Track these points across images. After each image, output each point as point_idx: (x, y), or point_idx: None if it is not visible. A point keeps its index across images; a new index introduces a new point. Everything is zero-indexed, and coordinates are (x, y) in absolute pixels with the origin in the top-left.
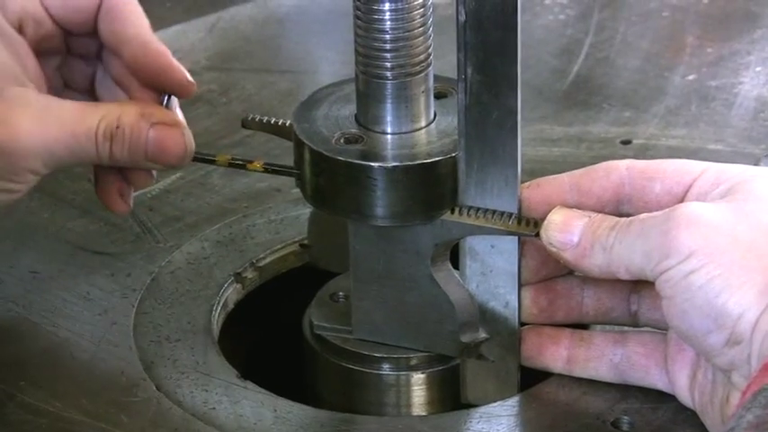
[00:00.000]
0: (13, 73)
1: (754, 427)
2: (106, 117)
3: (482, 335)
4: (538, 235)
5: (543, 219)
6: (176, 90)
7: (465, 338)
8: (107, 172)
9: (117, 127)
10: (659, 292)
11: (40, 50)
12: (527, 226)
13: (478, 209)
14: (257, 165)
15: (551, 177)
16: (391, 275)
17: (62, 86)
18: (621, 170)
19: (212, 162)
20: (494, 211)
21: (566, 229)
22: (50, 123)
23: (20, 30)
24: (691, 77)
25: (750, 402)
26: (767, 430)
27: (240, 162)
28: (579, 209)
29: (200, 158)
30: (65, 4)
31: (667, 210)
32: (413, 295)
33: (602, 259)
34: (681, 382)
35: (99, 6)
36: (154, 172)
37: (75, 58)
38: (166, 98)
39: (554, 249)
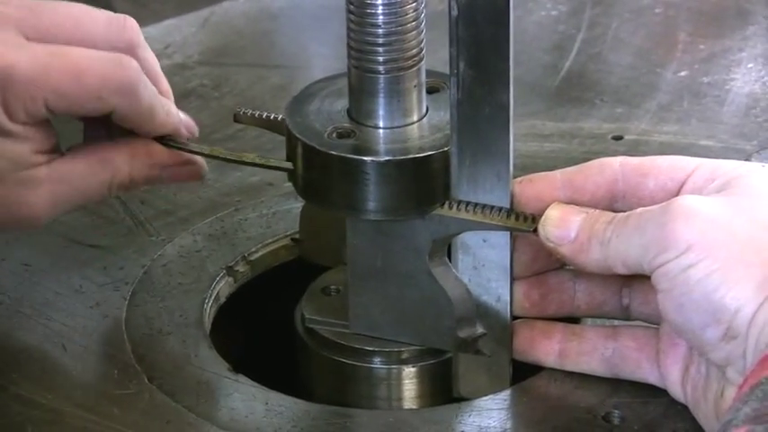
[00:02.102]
0: (18, 156)
1: (751, 420)
2: (116, 176)
3: (479, 330)
4: (536, 231)
5: (538, 214)
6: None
7: (462, 334)
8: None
9: (129, 182)
10: (655, 285)
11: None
12: (524, 221)
13: (476, 204)
14: (250, 158)
15: (544, 174)
16: (389, 271)
17: None
18: (615, 167)
19: (205, 156)
20: (491, 207)
21: (563, 225)
22: (62, 193)
23: None
24: (683, 74)
25: (747, 396)
26: (765, 423)
27: (232, 156)
28: None
29: (192, 152)
30: (68, 111)
31: (664, 203)
32: (410, 291)
33: (599, 254)
34: (673, 376)
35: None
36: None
37: None
38: None
39: (551, 245)
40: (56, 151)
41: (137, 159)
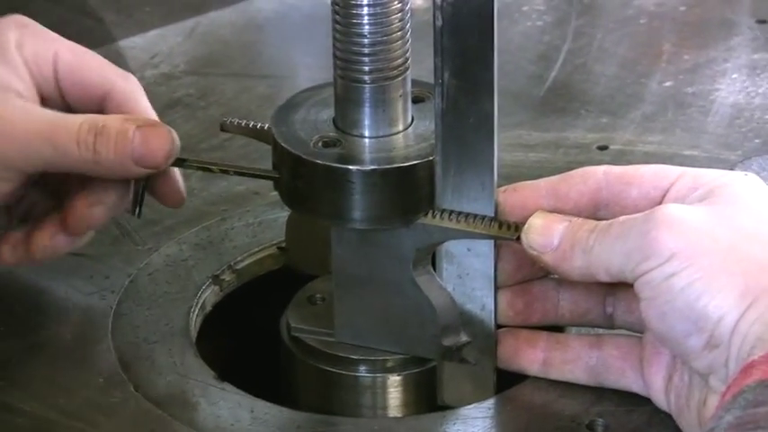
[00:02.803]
0: (5, 85)
1: (734, 428)
2: (89, 119)
3: (464, 338)
4: (519, 239)
5: (522, 223)
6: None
7: (447, 342)
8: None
9: (102, 125)
10: (638, 293)
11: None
12: (507, 230)
13: (459, 213)
14: (236, 168)
15: (528, 182)
16: (373, 280)
17: None
18: (598, 175)
19: (192, 166)
20: (474, 216)
21: (546, 233)
22: (29, 119)
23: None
24: (667, 84)
25: (730, 404)
26: (747, 430)
27: (219, 165)
28: None
29: (178, 162)
30: (72, 73)
31: (647, 211)
32: (395, 299)
33: (581, 262)
34: (656, 384)
35: (105, 95)
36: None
37: None
38: None
39: (534, 253)
40: None
41: (111, 115)
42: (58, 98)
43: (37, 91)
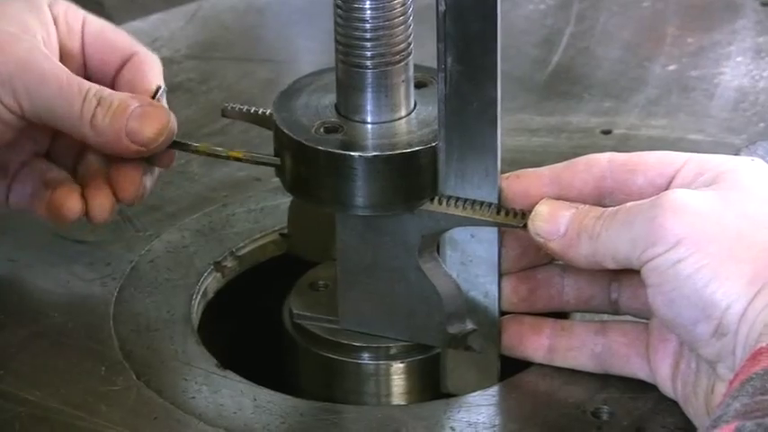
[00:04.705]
0: (33, 32)
1: (741, 416)
2: (99, 87)
3: (469, 326)
4: (525, 227)
5: (528, 210)
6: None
7: (452, 329)
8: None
9: (108, 94)
10: (645, 280)
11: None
12: (514, 217)
13: (465, 200)
14: (237, 154)
15: (531, 170)
16: (379, 267)
17: None
18: (603, 163)
19: (192, 151)
20: (481, 203)
21: (552, 220)
22: (49, 59)
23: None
24: (671, 68)
25: (737, 391)
26: (755, 418)
27: (220, 151)
28: None
29: (180, 147)
30: (101, 33)
31: (654, 197)
32: (400, 287)
33: (588, 248)
34: (663, 371)
35: (127, 59)
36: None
37: None
38: (162, 90)
39: (541, 240)
40: None
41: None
42: (80, 58)
43: (61, 48)
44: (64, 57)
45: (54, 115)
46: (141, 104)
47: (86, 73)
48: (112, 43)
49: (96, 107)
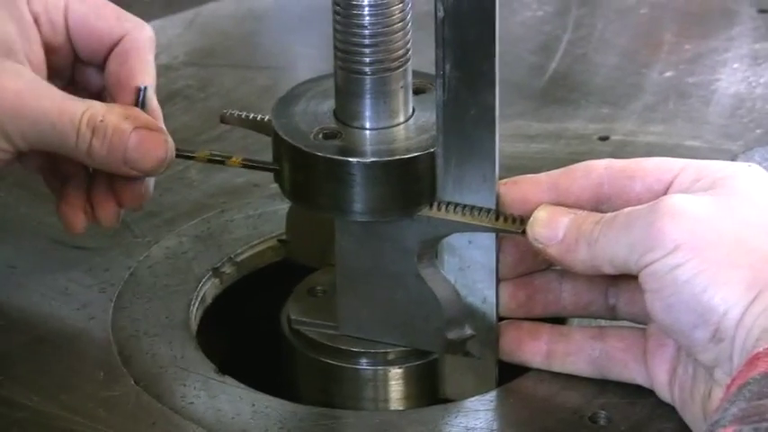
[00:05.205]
0: (15, 49)
1: (738, 420)
2: (91, 109)
3: (468, 331)
4: (524, 232)
5: (527, 216)
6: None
7: (451, 335)
8: (76, 187)
9: (101, 120)
10: (642, 285)
11: (48, 64)
12: (513, 223)
13: (464, 206)
14: (236, 160)
15: (529, 176)
16: (377, 273)
17: None
18: (600, 170)
19: (191, 158)
20: (480, 209)
21: (551, 225)
22: (39, 96)
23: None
24: (668, 74)
25: (735, 396)
26: (752, 423)
27: (219, 158)
28: None
29: (179, 154)
30: (85, 22)
31: (652, 202)
32: (399, 292)
33: (586, 254)
34: (660, 377)
35: (116, 44)
36: (145, 190)
37: (79, 91)
38: (143, 92)
39: (539, 245)
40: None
41: (112, 105)
42: (68, 48)
43: (46, 47)
44: (51, 54)
45: (51, 148)
46: (136, 127)
47: (77, 63)
48: (98, 32)
49: (92, 139)
